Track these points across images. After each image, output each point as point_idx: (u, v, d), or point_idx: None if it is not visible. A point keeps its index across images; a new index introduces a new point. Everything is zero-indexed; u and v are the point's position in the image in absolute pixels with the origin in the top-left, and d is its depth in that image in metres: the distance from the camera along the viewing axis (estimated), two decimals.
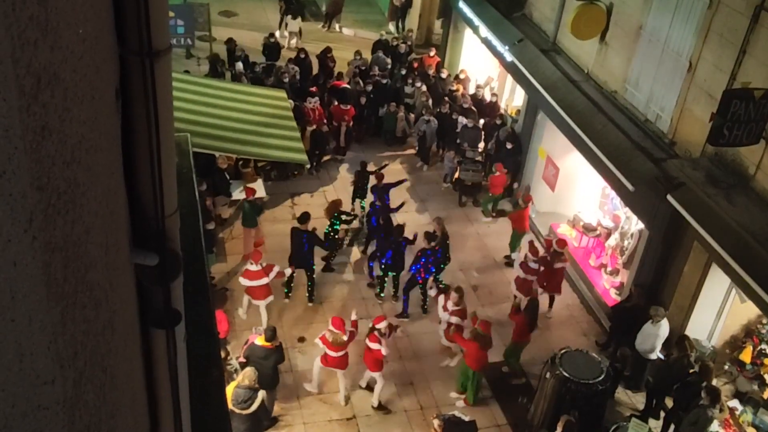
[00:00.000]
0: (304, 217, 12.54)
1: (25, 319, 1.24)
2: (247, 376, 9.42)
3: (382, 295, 13.20)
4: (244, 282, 11.86)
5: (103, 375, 1.88)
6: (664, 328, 11.01)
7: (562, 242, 13.10)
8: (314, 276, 12.86)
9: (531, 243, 13.33)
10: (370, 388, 11.30)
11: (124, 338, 2.29)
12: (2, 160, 1.13)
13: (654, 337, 11.02)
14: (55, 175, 1.33)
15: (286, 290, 12.90)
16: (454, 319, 11.45)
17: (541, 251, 12.93)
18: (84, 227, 1.58)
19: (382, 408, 11.12)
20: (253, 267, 11.75)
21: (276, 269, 11.93)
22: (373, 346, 10.71)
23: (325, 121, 16.89)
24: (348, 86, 18.07)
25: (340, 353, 10.70)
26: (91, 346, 1.71)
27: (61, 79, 1.34)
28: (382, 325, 10.75)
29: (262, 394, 9.53)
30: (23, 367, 1.25)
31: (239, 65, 18.14)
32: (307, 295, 12.93)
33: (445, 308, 11.62)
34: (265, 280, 11.77)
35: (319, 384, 11.26)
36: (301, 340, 12.06)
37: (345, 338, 10.61)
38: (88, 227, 1.62)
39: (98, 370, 1.82)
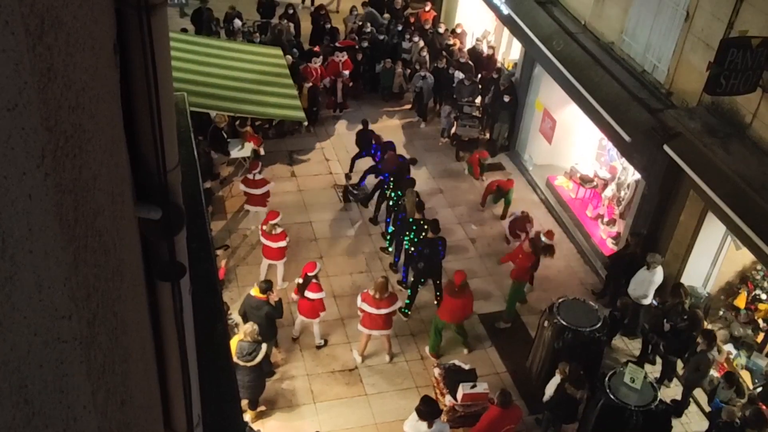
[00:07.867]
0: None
1: (42, 252, 1.30)
2: (247, 331, 9.60)
3: (390, 249, 13.27)
4: (244, 188, 13.20)
5: (114, 319, 1.95)
6: (658, 274, 11.15)
7: (550, 233, 12.59)
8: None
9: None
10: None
11: (132, 287, 2.35)
12: (14, 93, 1.18)
13: (648, 283, 11.16)
14: (62, 118, 1.37)
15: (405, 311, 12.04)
16: (371, 310, 10.62)
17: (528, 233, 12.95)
18: (91, 173, 1.64)
19: (326, 344, 11.43)
20: (251, 176, 13.11)
21: (272, 184, 13.50)
22: (314, 296, 10.80)
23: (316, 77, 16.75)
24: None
25: (279, 243, 11.74)
26: (102, 290, 1.78)
27: (63, 23, 1.38)
28: (317, 272, 10.89)
29: (265, 346, 9.73)
30: (42, 298, 1.32)
31: (237, 22, 17.96)
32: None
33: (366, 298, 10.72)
34: (265, 189, 13.14)
35: (264, 273, 12.13)
36: None
37: (280, 229, 11.75)
38: (95, 174, 1.67)
39: (110, 314, 1.88)
